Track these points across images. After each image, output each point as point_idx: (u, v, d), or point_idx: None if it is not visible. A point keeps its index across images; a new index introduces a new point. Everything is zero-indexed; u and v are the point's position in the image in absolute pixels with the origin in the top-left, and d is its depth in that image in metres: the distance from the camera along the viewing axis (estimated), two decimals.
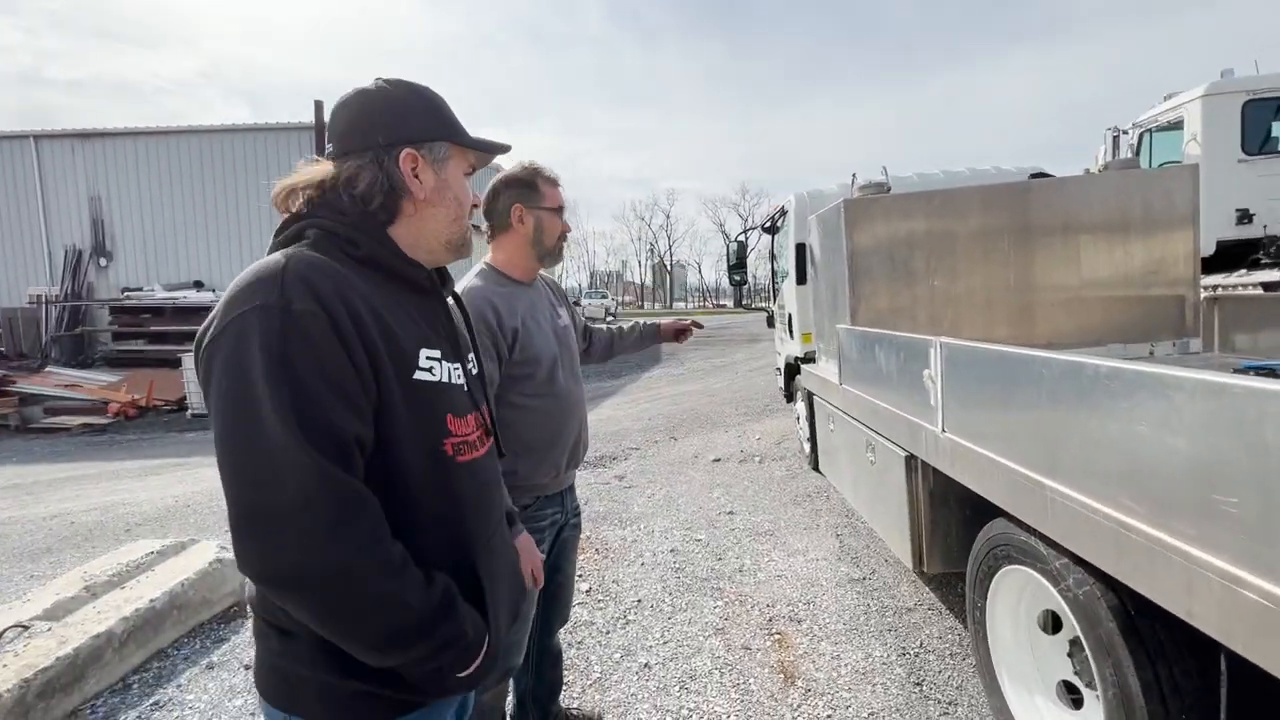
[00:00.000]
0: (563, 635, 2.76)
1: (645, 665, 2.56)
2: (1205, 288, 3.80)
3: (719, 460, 5.73)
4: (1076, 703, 1.80)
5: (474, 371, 1.07)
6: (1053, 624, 1.89)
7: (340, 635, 0.79)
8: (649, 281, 67.23)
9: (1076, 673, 1.79)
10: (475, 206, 1.05)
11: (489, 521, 1.02)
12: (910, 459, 2.46)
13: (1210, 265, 5.57)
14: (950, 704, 2.22)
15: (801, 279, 4.98)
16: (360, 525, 0.77)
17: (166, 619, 2.89)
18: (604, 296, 33.99)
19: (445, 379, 0.95)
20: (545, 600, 1.88)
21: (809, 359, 4.74)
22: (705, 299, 67.33)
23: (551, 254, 1.77)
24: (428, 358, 0.92)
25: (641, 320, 2.19)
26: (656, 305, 62.54)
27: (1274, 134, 5.82)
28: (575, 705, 2.30)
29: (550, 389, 1.72)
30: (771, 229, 5.99)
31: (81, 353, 13.68)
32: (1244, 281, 5.36)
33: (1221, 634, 1.06)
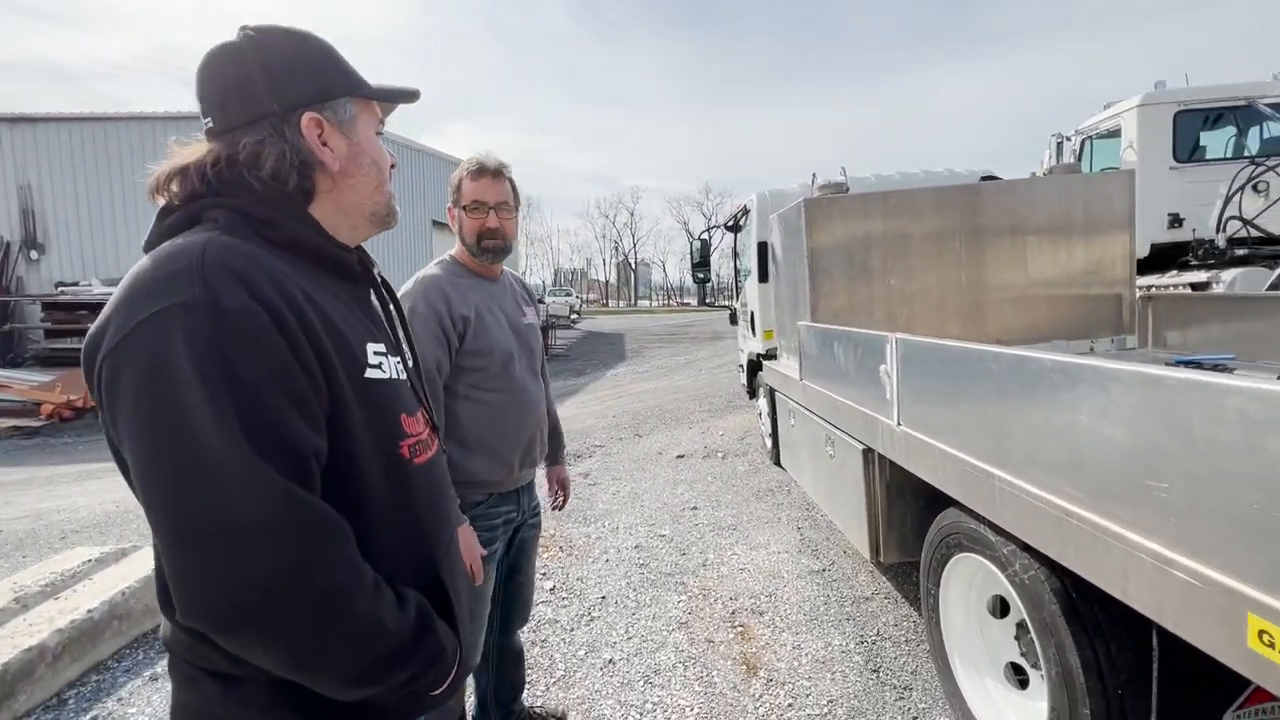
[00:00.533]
0: (526, 634, 2.74)
1: (609, 661, 2.56)
2: (1140, 288, 4.01)
3: (683, 456, 5.76)
4: (1023, 683, 1.89)
5: (412, 365, 0.97)
6: (1001, 608, 1.97)
7: (315, 673, 0.69)
8: (613, 279, 67.17)
9: (1023, 654, 1.87)
10: (394, 167, 0.93)
11: (447, 525, 0.95)
12: (868, 452, 2.53)
13: (1146, 266, 5.88)
14: (905, 689, 2.29)
15: (764, 277, 5.05)
16: (334, 548, 0.68)
17: (106, 629, 2.75)
18: (568, 294, 33.81)
19: (394, 375, 0.86)
20: (505, 600, 1.86)
21: (771, 355, 4.82)
22: (669, 297, 67.64)
23: (477, 251, 1.69)
24: (375, 353, 0.83)
25: (561, 445, 2.08)
26: (621, 303, 62.51)
27: (1202, 143, 6.18)
28: (539, 703, 2.28)
29: (504, 384, 1.70)
30: (734, 227, 6.06)
31: (11, 351, 12.86)
32: (1175, 282, 5.68)
33: (1154, 612, 1.13)
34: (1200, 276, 5.52)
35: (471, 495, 1.66)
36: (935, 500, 2.09)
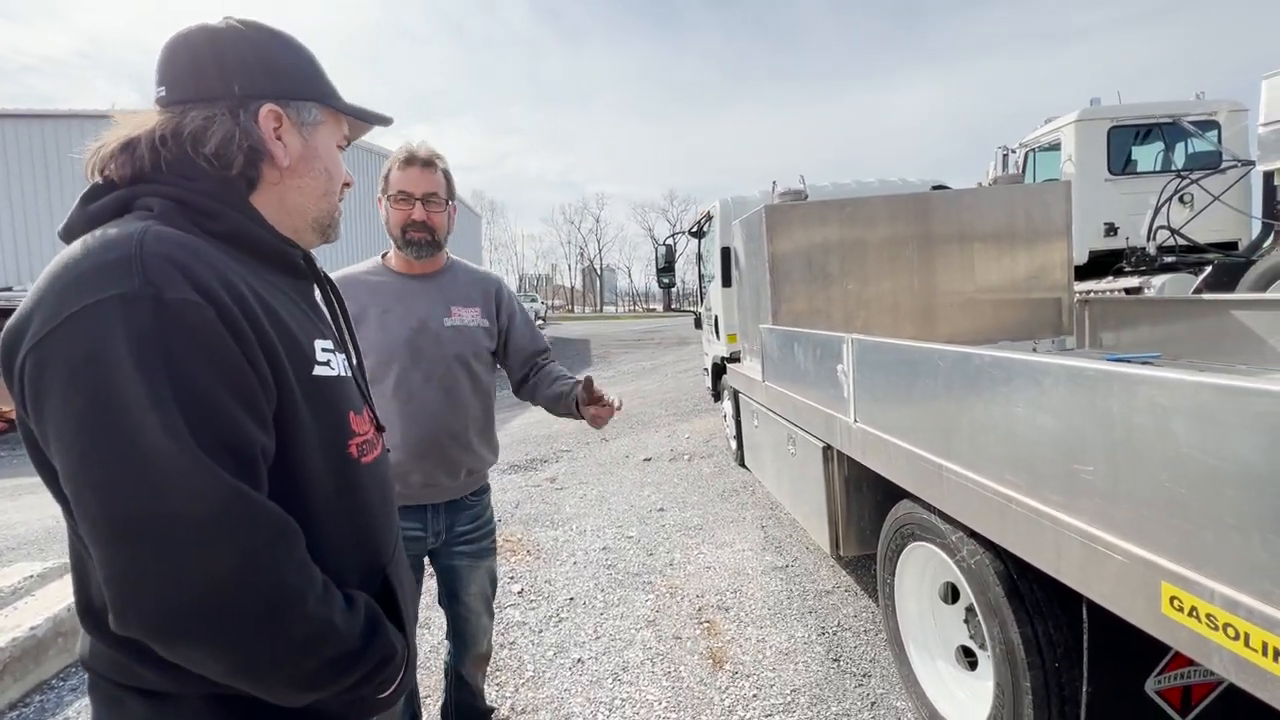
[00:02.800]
0: (495, 636, 2.74)
1: (578, 660, 2.58)
2: (1080, 292, 4.25)
3: (649, 459, 5.82)
4: (972, 665, 1.99)
5: (356, 363, 0.95)
6: (951, 594, 2.07)
7: (264, 678, 0.66)
8: (579, 285, 67.04)
9: (971, 637, 1.98)
10: (348, 185, 0.92)
11: (394, 526, 0.94)
12: (827, 449, 2.62)
13: (1085, 272, 6.22)
14: (864, 676, 2.38)
15: (727, 281, 5.15)
16: (283, 549, 0.65)
17: (49, 648, 2.64)
18: (533, 300, 33.60)
19: (342, 373, 0.84)
20: (451, 631, 1.83)
21: (734, 359, 4.92)
22: (635, 303, 67.88)
23: (401, 245, 1.61)
24: (323, 350, 0.80)
25: (575, 383, 1.68)
26: (586, 309, 62.41)
27: (1133, 157, 6.59)
28: (507, 703, 2.29)
29: (382, 390, 1.58)
30: (698, 233, 6.17)
31: None
32: (1111, 287, 6.03)
33: (1082, 586, 1.22)
34: (1133, 282, 5.88)
35: None
36: (890, 493, 2.19)
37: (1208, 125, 6.36)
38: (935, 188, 4.87)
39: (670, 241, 6.64)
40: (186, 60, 0.78)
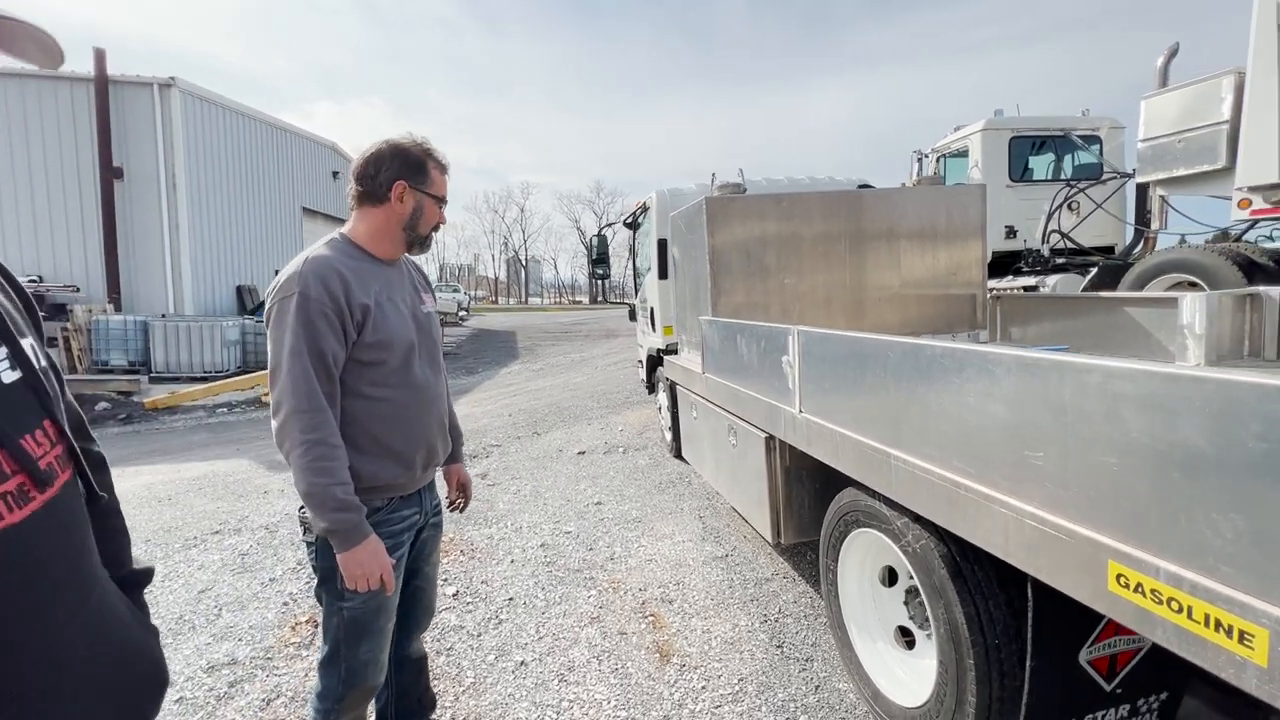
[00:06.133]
0: (431, 644, 2.60)
1: (521, 663, 2.49)
2: (989, 289, 4.56)
3: (584, 453, 5.74)
4: (910, 644, 2.08)
5: (17, 378, 0.74)
6: (890, 578, 2.15)
7: None
8: (503, 276, 65.47)
9: (911, 618, 2.06)
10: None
11: (43, 606, 0.73)
12: (770, 440, 2.66)
13: (988, 272, 6.71)
14: (807, 660, 2.43)
15: (663, 274, 5.14)
16: None
17: None
18: (456, 290, 32.40)
19: None
20: (403, 605, 1.74)
21: (671, 351, 4.92)
22: (561, 295, 67.18)
23: (422, 242, 1.67)
24: None
25: (459, 443, 1.94)
26: (511, 300, 61.10)
27: (1030, 165, 7.16)
28: (448, 714, 2.17)
29: (405, 379, 1.59)
30: (633, 225, 6.13)
31: None
32: (1011, 285, 6.53)
33: (1031, 567, 1.28)
34: (1030, 281, 6.40)
35: (371, 501, 1.53)
36: (832, 482, 2.24)
37: (1091, 139, 7.00)
38: (861, 186, 5.07)
39: (604, 232, 6.57)
40: None
